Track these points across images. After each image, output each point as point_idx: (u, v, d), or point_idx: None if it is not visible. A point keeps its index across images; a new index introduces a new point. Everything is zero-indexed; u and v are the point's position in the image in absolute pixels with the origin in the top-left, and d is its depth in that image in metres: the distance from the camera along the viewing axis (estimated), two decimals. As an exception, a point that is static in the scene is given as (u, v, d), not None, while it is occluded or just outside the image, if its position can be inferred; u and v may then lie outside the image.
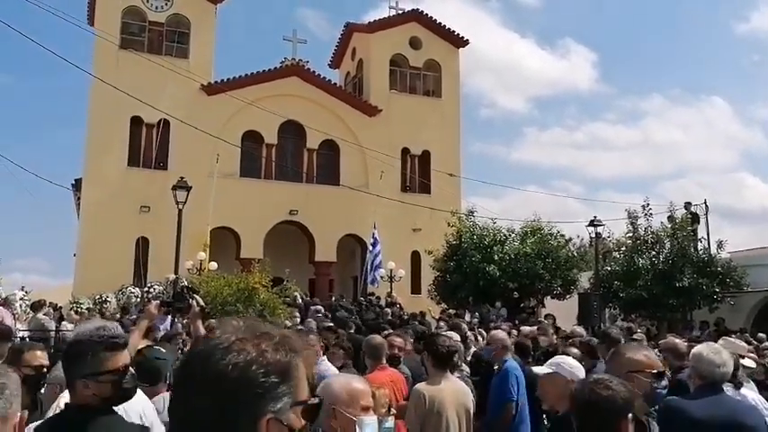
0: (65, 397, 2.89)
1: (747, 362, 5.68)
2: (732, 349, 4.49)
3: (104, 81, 19.31)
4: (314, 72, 27.53)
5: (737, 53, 63.26)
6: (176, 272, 15.88)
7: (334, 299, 20.07)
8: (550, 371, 3.72)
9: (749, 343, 11.73)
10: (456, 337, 7.68)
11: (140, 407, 2.73)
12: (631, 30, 66.33)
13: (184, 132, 22.96)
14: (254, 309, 13.66)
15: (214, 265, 20.02)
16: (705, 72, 64.70)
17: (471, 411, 4.15)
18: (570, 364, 3.96)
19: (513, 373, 5.63)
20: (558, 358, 4.27)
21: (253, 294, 14.03)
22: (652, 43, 66.41)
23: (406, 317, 19.04)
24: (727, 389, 4.34)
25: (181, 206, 15.44)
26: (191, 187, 15.94)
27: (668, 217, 20.51)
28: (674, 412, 3.73)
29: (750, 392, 4.63)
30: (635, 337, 8.98)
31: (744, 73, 62.90)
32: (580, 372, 3.93)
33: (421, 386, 4.26)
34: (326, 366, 5.24)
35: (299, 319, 15.78)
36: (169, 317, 14.37)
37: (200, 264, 20.23)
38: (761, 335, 13.07)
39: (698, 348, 3.95)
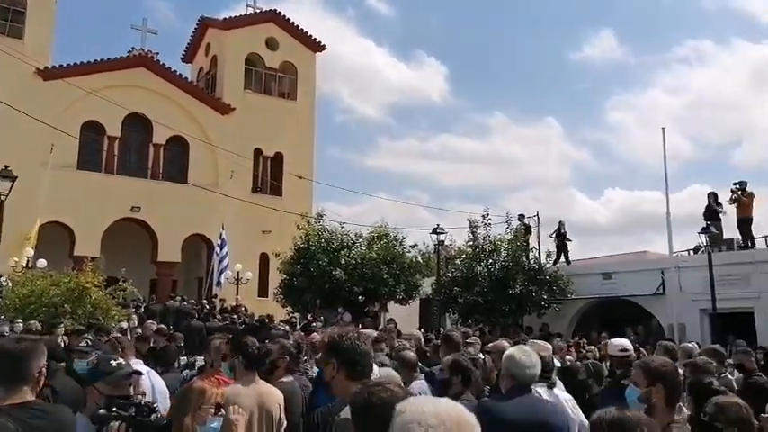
0: None
1: (557, 361, 6.16)
2: (537, 350, 4.85)
3: None
4: (164, 65, 26.47)
5: (570, 79, 68.73)
6: (-3, 269, 14.56)
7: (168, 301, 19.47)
8: None
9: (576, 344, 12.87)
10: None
11: None
12: (477, 48, 70.02)
13: (14, 118, 21.08)
14: (84, 310, 12.82)
15: (43, 262, 18.55)
16: (542, 94, 69.64)
17: (276, 415, 4.14)
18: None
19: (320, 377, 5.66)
20: None
21: (84, 295, 13.16)
22: (495, 62, 70.49)
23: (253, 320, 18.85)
24: (542, 390, 4.70)
25: (3, 197, 14.18)
26: (16, 177, 14.68)
27: (514, 230, 21.56)
28: (486, 412, 3.99)
29: (561, 393, 5.01)
30: (469, 340, 9.43)
31: (575, 98, 68.46)
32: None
33: (226, 389, 4.19)
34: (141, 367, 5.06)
35: (136, 322, 15.07)
36: None
37: (27, 261, 18.66)
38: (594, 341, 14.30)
39: (510, 350, 4.20)
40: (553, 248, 21.89)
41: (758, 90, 61.69)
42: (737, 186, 17.82)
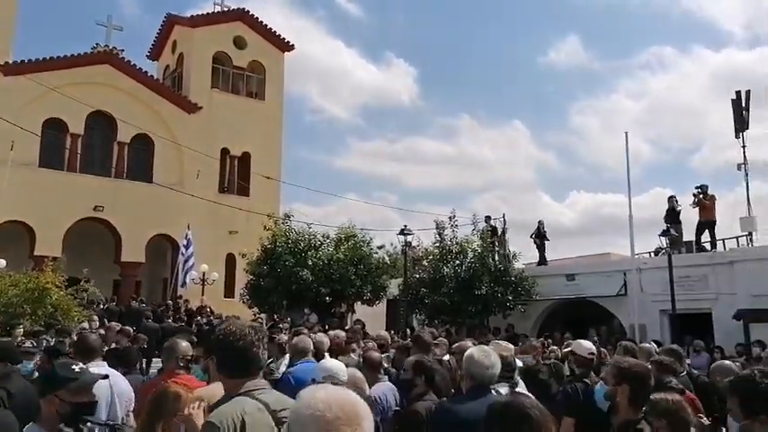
0: None
1: (518, 362, 6.24)
2: (499, 350, 4.91)
3: None
4: (129, 62, 26.08)
5: (536, 82, 69.56)
6: (-47, 269, 14.20)
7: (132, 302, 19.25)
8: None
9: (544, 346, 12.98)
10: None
11: None
12: (446, 50, 70.45)
13: (-27, 114, 20.61)
14: (44, 311, 12.59)
15: (2, 262, 18.19)
16: (509, 97, 70.37)
17: None
18: (325, 368, 4.33)
19: (287, 377, 5.64)
20: (323, 363, 4.55)
21: (44, 295, 12.91)
22: (463, 65, 70.98)
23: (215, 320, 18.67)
24: (504, 390, 4.75)
25: (-38, 196, 13.86)
26: (-25, 175, 14.37)
27: (481, 232, 21.71)
28: (444, 413, 4.04)
29: (523, 392, 5.08)
30: (436, 342, 9.50)
31: (541, 101, 69.27)
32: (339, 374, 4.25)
33: (199, 391, 4.14)
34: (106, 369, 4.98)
35: (97, 323, 14.85)
36: None
37: (-14, 261, 18.24)
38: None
39: (469, 351, 4.24)
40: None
41: (717, 96, 63.32)
42: (699, 190, 18.25)
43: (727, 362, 6.00)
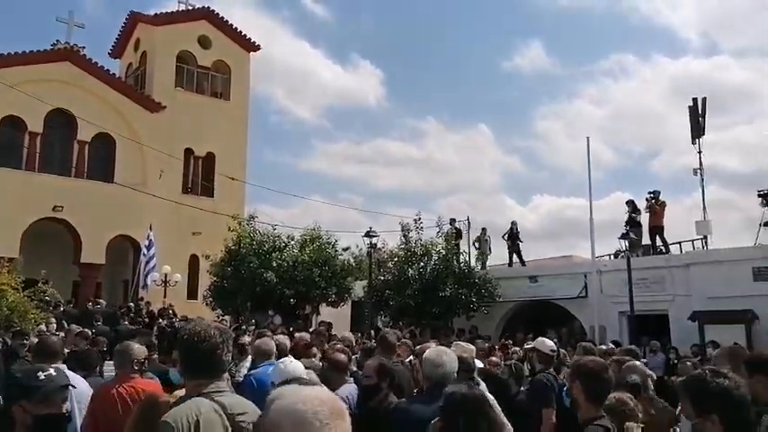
0: None
1: (478, 363, 6.34)
2: (459, 351, 5.02)
3: None
4: (90, 59, 25.62)
5: (501, 87, 70.21)
6: None
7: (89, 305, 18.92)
8: None
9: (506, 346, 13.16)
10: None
11: None
12: (412, 53, 70.70)
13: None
14: (-1, 313, 12.29)
15: (-44, 263, 17.66)
16: (474, 101, 70.86)
17: None
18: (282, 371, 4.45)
19: (249, 379, 5.67)
20: (279, 365, 4.64)
21: None
22: (429, 68, 71.29)
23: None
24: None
25: None
26: (-71, 174, 13.96)
27: (445, 233, 21.85)
28: (401, 412, 4.12)
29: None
30: (399, 343, 9.53)
31: (506, 106, 69.93)
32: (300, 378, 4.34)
33: (178, 393, 4.13)
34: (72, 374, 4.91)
35: (55, 325, 14.58)
36: None
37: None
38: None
39: (426, 352, 4.36)
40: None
41: (676, 103, 64.68)
42: (651, 195, 18.73)
43: (638, 363, 6.20)
